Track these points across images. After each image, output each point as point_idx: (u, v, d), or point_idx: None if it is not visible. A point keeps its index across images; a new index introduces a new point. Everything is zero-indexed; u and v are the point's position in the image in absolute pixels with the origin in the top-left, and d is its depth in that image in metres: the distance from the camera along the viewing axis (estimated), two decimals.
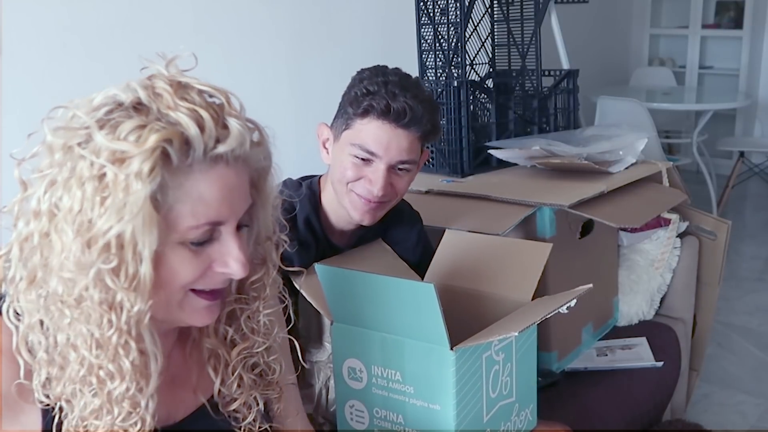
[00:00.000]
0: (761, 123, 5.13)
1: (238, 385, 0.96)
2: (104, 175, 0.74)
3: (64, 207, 0.75)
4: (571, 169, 1.94)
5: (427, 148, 1.55)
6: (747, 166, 4.73)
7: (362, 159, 1.36)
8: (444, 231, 1.58)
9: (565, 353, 1.87)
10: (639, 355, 1.96)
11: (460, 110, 2.03)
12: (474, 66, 2.25)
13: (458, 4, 2.06)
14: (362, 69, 1.41)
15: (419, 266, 1.55)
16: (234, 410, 0.97)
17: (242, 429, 0.97)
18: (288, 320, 1.03)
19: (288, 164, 1.67)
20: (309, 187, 1.47)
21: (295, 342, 1.04)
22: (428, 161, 2.11)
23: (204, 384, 0.97)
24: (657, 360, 1.94)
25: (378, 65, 1.41)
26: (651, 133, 3.47)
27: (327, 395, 1.46)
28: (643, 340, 2.03)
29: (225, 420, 0.97)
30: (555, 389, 1.77)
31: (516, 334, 1.09)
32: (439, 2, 2.10)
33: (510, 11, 2.28)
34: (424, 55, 2.15)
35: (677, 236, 2.12)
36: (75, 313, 0.77)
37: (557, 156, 1.92)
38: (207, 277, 0.84)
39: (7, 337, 0.81)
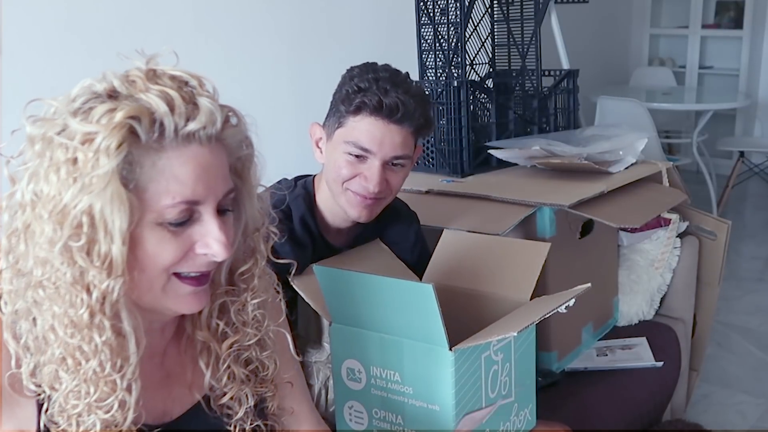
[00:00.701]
0: (761, 123, 5.13)
1: (229, 379, 0.96)
2: (76, 158, 0.76)
3: (43, 195, 0.77)
4: (571, 169, 1.94)
5: (421, 144, 1.55)
6: (747, 166, 4.73)
7: (356, 156, 1.36)
8: (443, 231, 1.58)
9: (565, 353, 1.87)
10: (639, 355, 1.96)
11: (460, 110, 2.03)
12: (474, 66, 2.24)
13: (458, 4, 2.06)
14: (352, 67, 1.41)
15: (417, 266, 1.55)
16: (225, 405, 0.97)
17: (233, 426, 0.97)
18: (281, 314, 1.04)
19: (288, 164, 1.68)
20: (304, 187, 1.47)
21: (287, 334, 1.04)
22: (428, 161, 2.11)
23: (198, 380, 0.97)
24: (657, 360, 1.94)
25: (367, 62, 1.41)
26: (651, 133, 3.47)
27: (326, 395, 1.46)
28: (643, 340, 2.02)
29: (218, 417, 0.97)
30: (555, 389, 1.76)
31: (515, 334, 1.09)
32: (439, 2, 2.10)
33: (510, 11, 2.28)
34: (424, 55, 2.15)
35: (677, 236, 2.11)
36: (50, 293, 0.78)
37: (557, 156, 1.92)
38: (189, 259, 0.84)
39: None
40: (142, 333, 0.83)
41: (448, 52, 2.10)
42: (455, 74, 2.09)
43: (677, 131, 5.13)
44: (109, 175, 0.76)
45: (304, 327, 1.47)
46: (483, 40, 2.29)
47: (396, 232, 1.57)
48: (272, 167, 1.48)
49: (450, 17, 2.08)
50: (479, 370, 1.19)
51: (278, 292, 1.03)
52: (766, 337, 2.99)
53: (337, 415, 1.30)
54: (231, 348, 0.96)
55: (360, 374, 1.24)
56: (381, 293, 1.16)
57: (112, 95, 0.80)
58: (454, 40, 2.08)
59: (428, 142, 2.09)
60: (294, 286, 1.36)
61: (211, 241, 0.84)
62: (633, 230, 2.05)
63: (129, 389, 0.83)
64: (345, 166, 1.37)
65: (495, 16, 2.30)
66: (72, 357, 0.80)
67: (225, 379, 0.96)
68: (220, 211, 0.86)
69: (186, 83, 0.82)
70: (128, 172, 0.78)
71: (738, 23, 5.26)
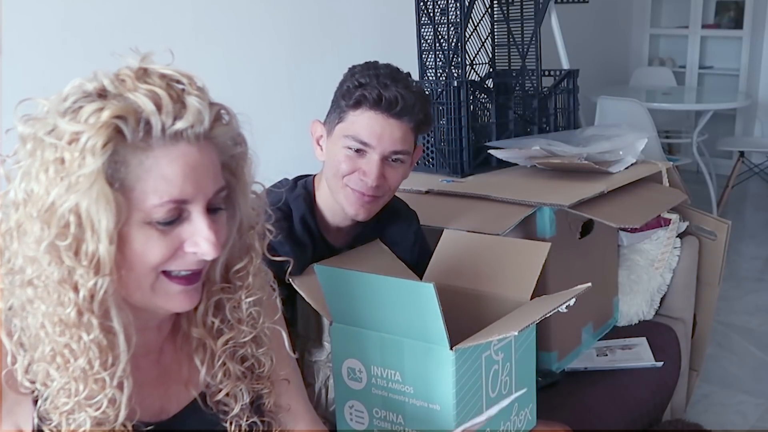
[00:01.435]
0: (761, 123, 5.13)
1: (225, 375, 0.96)
2: (64, 157, 0.77)
3: (33, 194, 0.78)
4: (571, 169, 1.94)
5: (421, 144, 1.55)
6: (747, 166, 4.73)
7: (356, 150, 1.37)
8: (443, 231, 1.58)
9: (565, 353, 1.87)
10: (639, 355, 1.96)
11: (460, 110, 2.03)
12: (474, 66, 2.25)
13: (458, 4, 2.06)
14: (353, 65, 1.42)
15: (417, 266, 1.55)
16: (221, 402, 0.97)
17: (229, 422, 0.98)
18: (276, 312, 1.03)
19: (288, 164, 1.68)
20: (304, 187, 1.47)
21: (283, 331, 1.04)
22: (428, 161, 2.11)
23: (194, 377, 0.98)
24: (657, 360, 1.94)
25: (369, 61, 1.42)
26: (651, 133, 3.47)
27: (326, 395, 1.46)
28: (643, 340, 2.03)
29: (214, 414, 0.98)
30: (555, 389, 1.76)
31: (515, 333, 1.09)
32: (439, 2, 2.10)
33: (510, 11, 2.28)
34: (424, 55, 2.15)
35: (677, 236, 2.12)
36: (40, 292, 0.79)
37: (557, 156, 1.92)
38: (179, 258, 0.84)
39: None
40: (132, 331, 0.84)
41: (448, 52, 2.10)
42: (455, 74, 2.09)
43: (677, 131, 5.13)
44: (94, 174, 0.76)
45: (304, 326, 1.47)
46: (483, 40, 2.29)
47: (396, 232, 1.57)
48: (272, 167, 1.49)
49: (450, 17, 2.08)
50: (480, 369, 1.19)
51: (274, 289, 1.03)
52: (766, 337, 2.99)
53: (337, 415, 1.30)
54: (226, 345, 0.96)
55: (360, 374, 1.24)
56: (382, 293, 1.16)
57: (102, 94, 0.80)
58: (454, 40, 2.09)
59: (428, 142, 2.09)
60: (294, 286, 1.36)
61: (200, 240, 0.83)
62: (633, 230, 2.05)
63: (120, 387, 0.83)
64: (344, 161, 1.37)
65: (495, 16, 2.30)
66: (61, 355, 0.80)
67: (220, 375, 0.96)
68: (211, 210, 0.86)
69: (176, 81, 0.82)
70: (115, 171, 0.78)
71: (738, 23, 5.26)
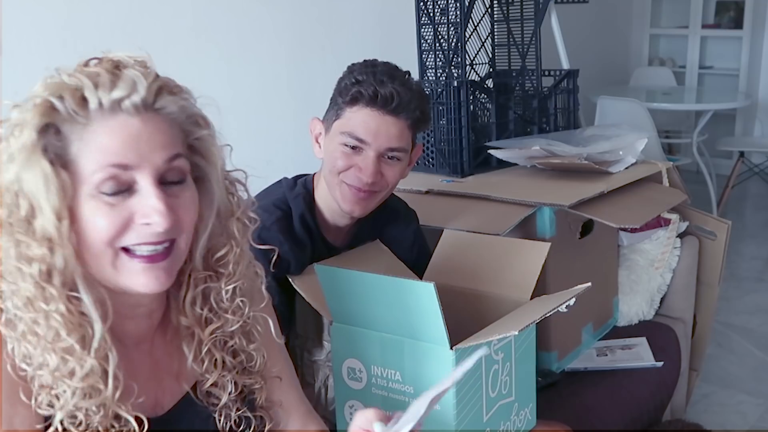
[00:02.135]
0: (761, 123, 5.13)
1: (212, 364, 0.96)
2: (8, 137, 0.81)
3: None
4: (571, 169, 1.94)
5: (420, 143, 1.55)
6: (747, 166, 4.73)
7: (352, 147, 1.37)
8: (443, 231, 1.58)
9: (565, 353, 1.87)
10: (639, 355, 1.96)
11: (460, 110, 2.03)
12: (474, 66, 2.24)
13: (458, 4, 2.06)
14: (353, 63, 1.42)
15: (416, 265, 1.55)
16: (209, 393, 0.97)
17: (218, 413, 0.98)
18: (263, 300, 1.03)
19: (287, 164, 1.68)
20: (303, 186, 1.47)
21: (269, 319, 1.03)
22: (428, 161, 2.11)
23: (184, 369, 0.98)
24: (657, 360, 1.94)
25: (367, 59, 1.42)
26: (651, 133, 3.47)
27: (326, 394, 1.46)
28: (643, 340, 2.03)
29: (206, 407, 0.98)
30: (555, 389, 1.77)
31: (515, 333, 1.09)
32: (439, 2, 2.10)
33: (510, 11, 2.28)
34: (424, 55, 2.15)
35: (677, 236, 2.11)
36: (6, 275, 0.81)
37: (557, 156, 1.92)
38: (131, 231, 0.84)
39: None
40: (109, 306, 0.85)
41: (448, 52, 2.10)
42: (455, 74, 2.09)
43: (677, 131, 5.13)
44: (29, 147, 0.79)
45: (303, 326, 1.47)
46: (483, 40, 2.29)
47: (395, 232, 1.57)
48: (272, 167, 1.49)
49: (450, 17, 2.08)
50: (480, 369, 1.19)
51: (259, 277, 1.02)
52: (766, 337, 2.99)
53: (337, 415, 1.30)
54: (213, 334, 0.96)
55: (361, 373, 1.24)
56: (382, 292, 1.16)
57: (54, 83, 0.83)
58: (454, 40, 2.09)
59: (428, 142, 2.09)
60: (294, 286, 1.36)
61: (149, 210, 0.83)
62: (633, 230, 2.05)
63: (104, 357, 0.84)
64: (341, 157, 1.38)
65: (495, 16, 2.30)
66: (32, 332, 0.82)
67: (206, 364, 0.96)
68: (168, 183, 0.85)
69: (121, 62, 0.84)
70: (56, 149, 0.81)
71: (738, 23, 5.26)
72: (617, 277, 2.09)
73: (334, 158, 1.38)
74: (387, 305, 1.16)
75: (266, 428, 1.04)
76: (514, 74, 2.28)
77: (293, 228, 1.41)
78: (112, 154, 0.81)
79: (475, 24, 2.24)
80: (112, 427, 0.85)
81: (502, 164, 2.09)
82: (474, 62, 2.24)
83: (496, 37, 2.32)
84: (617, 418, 1.80)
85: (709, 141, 4.57)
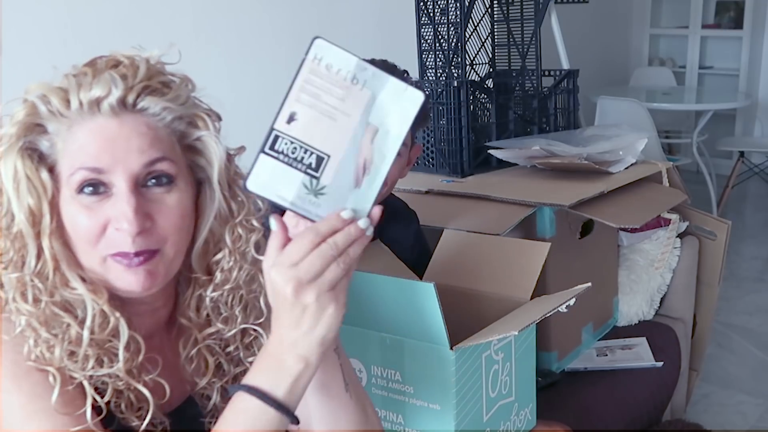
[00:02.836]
0: (761, 123, 5.13)
1: (205, 368, 0.95)
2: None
3: None
4: (571, 169, 1.94)
5: (420, 143, 1.55)
6: (747, 166, 4.73)
7: None
8: (443, 231, 1.58)
9: (565, 353, 1.87)
10: (639, 355, 1.96)
11: (460, 110, 2.03)
12: (474, 66, 2.24)
13: (458, 4, 2.06)
14: None
15: (416, 266, 1.55)
16: (203, 396, 0.97)
17: (212, 417, 0.96)
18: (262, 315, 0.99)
19: None
20: None
21: (261, 332, 0.99)
22: (428, 161, 2.11)
23: (186, 372, 0.97)
24: (657, 360, 1.94)
25: (366, 59, 1.42)
26: (651, 133, 3.47)
27: None
28: (643, 340, 2.02)
29: (200, 410, 0.97)
30: (555, 389, 1.76)
31: (516, 333, 1.09)
32: (439, 2, 2.10)
33: (510, 11, 2.28)
34: (424, 55, 2.15)
35: (677, 236, 2.11)
36: (5, 261, 0.83)
37: (557, 156, 1.92)
38: (108, 238, 0.83)
39: None
40: (104, 294, 0.85)
41: (448, 52, 2.10)
42: (455, 74, 2.09)
43: (677, 131, 5.13)
44: (7, 144, 0.81)
45: None
46: (483, 40, 2.29)
47: (395, 232, 1.57)
48: None
49: (450, 17, 2.08)
50: (480, 369, 1.19)
51: (260, 288, 0.99)
52: (766, 337, 2.99)
53: None
54: (208, 338, 0.95)
55: (361, 373, 1.24)
56: (382, 292, 1.16)
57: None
58: (454, 40, 2.09)
59: (428, 142, 2.09)
60: None
61: (120, 217, 0.81)
62: (633, 230, 2.05)
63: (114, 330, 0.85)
64: None
65: (495, 16, 2.30)
66: (30, 326, 0.83)
67: (196, 364, 0.95)
68: (146, 186, 0.83)
69: (120, 62, 0.84)
70: (45, 148, 0.83)
71: (738, 23, 5.26)
72: (617, 277, 2.09)
73: None
74: (387, 305, 1.16)
75: None
76: (514, 74, 2.28)
77: None
78: (87, 156, 0.81)
79: (475, 24, 2.24)
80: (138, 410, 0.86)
81: (502, 164, 2.09)
82: (474, 62, 2.24)
83: (496, 37, 2.32)
84: (617, 418, 1.80)
85: (709, 141, 4.57)
